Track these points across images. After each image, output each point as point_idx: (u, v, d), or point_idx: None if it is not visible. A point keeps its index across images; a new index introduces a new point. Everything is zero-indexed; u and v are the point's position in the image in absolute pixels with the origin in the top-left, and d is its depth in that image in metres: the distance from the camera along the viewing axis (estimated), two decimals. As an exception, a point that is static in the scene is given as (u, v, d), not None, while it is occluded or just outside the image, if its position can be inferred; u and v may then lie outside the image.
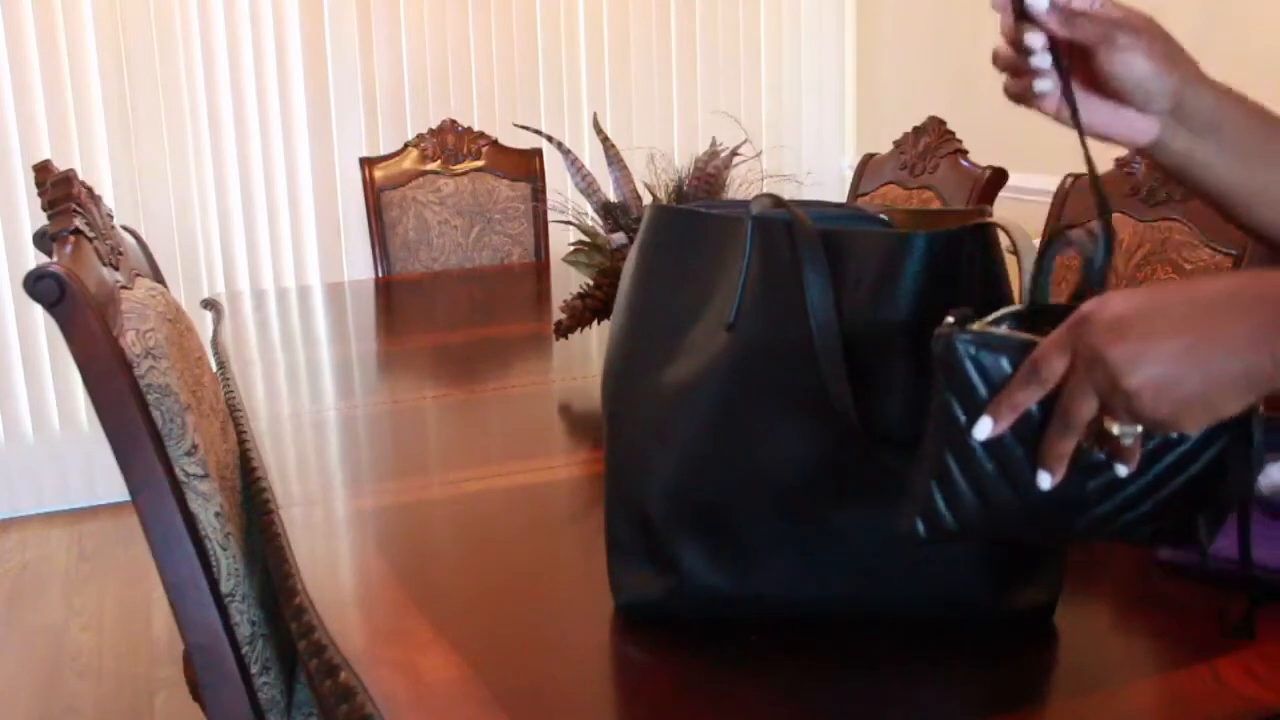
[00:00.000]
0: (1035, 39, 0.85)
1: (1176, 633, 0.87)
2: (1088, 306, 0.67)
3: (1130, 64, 0.85)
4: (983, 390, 0.69)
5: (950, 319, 0.70)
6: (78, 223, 1.20)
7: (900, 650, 0.85)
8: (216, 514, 1.16)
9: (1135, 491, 0.71)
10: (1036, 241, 0.83)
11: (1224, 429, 0.68)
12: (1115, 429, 0.67)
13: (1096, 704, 0.78)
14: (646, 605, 0.90)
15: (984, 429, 0.69)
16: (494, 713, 0.79)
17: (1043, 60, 0.85)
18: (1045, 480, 0.69)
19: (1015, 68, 0.89)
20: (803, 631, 0.87)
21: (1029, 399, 0.68)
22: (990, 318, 0.71)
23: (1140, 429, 0.67)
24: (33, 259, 3.07)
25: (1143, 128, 0.88)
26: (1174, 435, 0.69)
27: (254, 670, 1.19)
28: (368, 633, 0.92)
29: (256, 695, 1.18)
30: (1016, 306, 0.73)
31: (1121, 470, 0.69)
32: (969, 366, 0.69)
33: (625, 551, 0.92)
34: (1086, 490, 0.71)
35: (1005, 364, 0.69)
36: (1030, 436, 0.69)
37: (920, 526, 0.73)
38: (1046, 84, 0.86)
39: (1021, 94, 0.89)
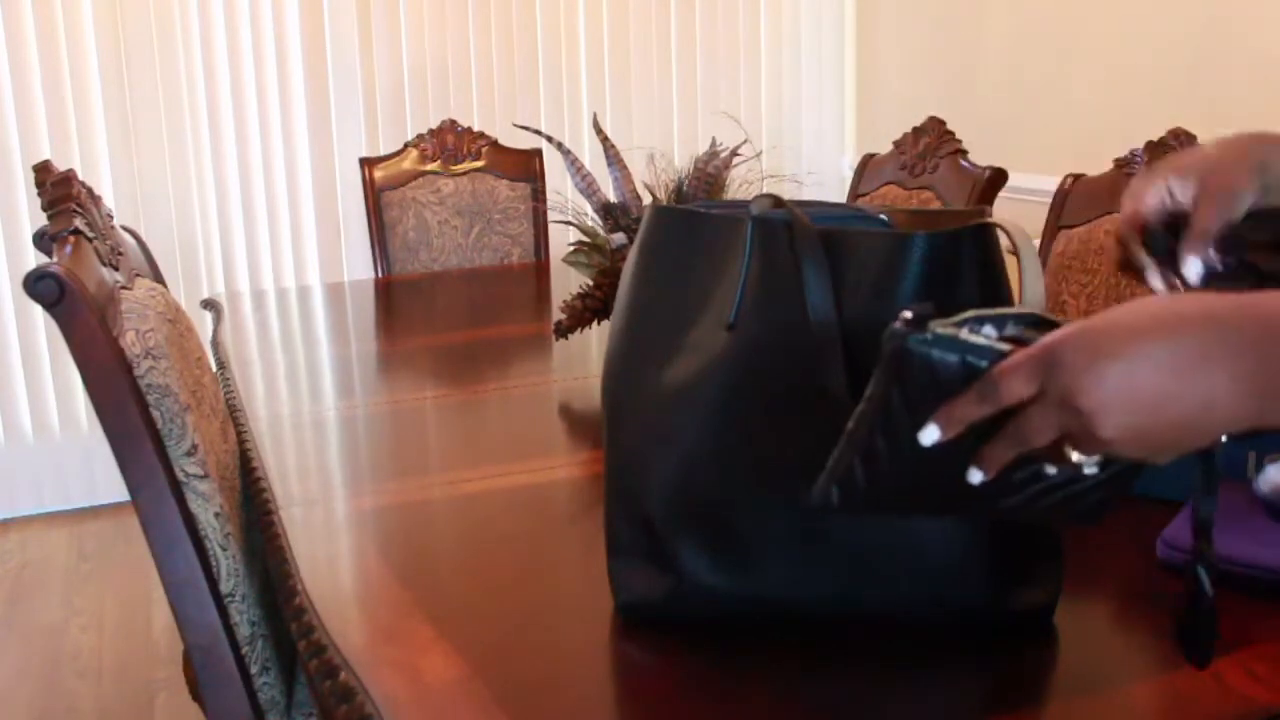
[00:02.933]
0: (1154, 278, 0.84)
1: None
2: (1060, 337, 0.64)
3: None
4: (929, 389, 0.68)
5: (907, 314, 0.68)
6: (78, 223, 1.20)
7: (900, 650, 0.85)
8: (216, 514, 1.16)
9: (1057, 482, 0.71)
10: (1036, 242, 0.83)
11: None
12: (1076, 457, 0.66)
13: (1096, 704, 0.78)
14: (646, 605, 0.90)
15: (930, 436, 0.68)
16: (494, 713, 0.79)
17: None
18: (976, 476, 0.69)
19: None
20: (803, 631, 0.87)
21: (981, 414, 0.66)
22: (952, 320, 0.69)
23: (1099, 458, 0.66)
24: (33, 259, 3.07)
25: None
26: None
27: (254, 670, 1.19)
28: (368, 633, 0.92)
29: (256, 695, 1.18)
30: (979, 311, 0.72)
31: (1051, 470, 0.68)
32: (917, 365, 0.67)
33: (625, 551, 0.92)
34: (1012, 480, 0.71)
35: (957, 364, 0.67)
36: (967, 437, 0.68)
37: (835, 496, 0.72)
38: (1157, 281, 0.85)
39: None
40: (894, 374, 0.68)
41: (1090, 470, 0.67)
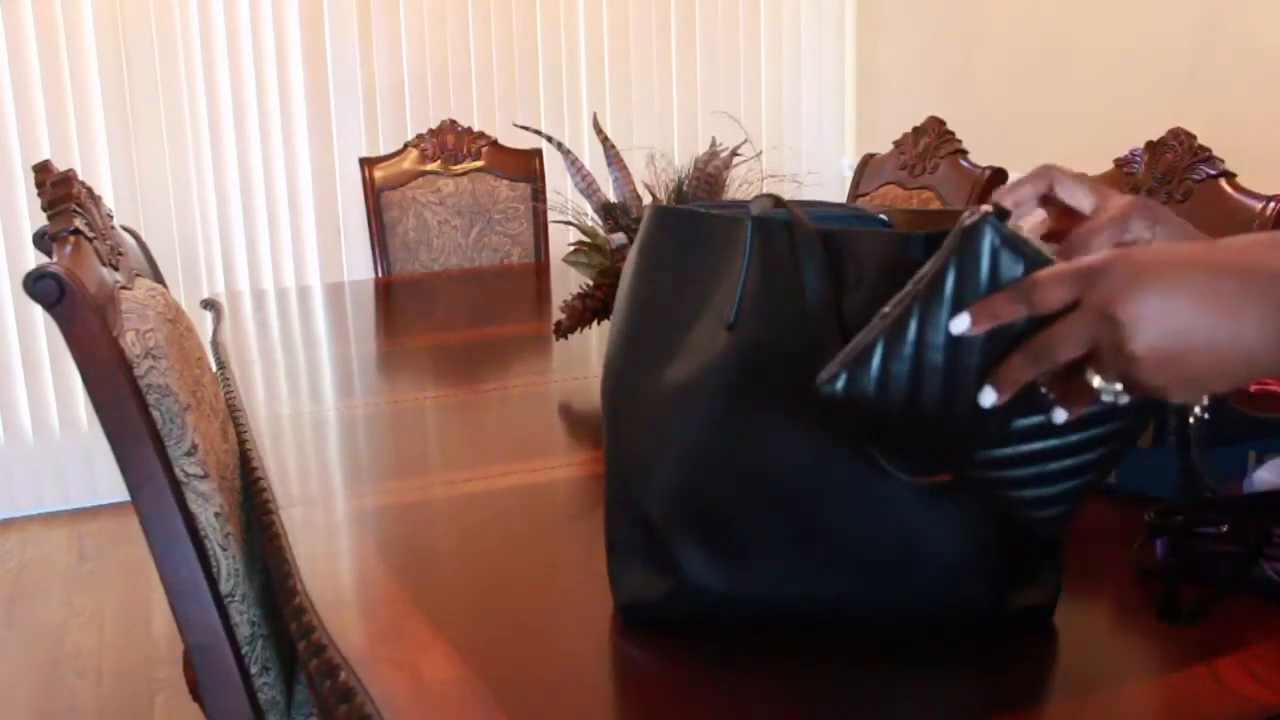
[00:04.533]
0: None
1: (1176, 633, 0.87)
2: (1109, 256, 0.66)
3: None
4: (984, 282, 0.69)
5: (988, 206, 0.70)
6: (78, 223, 1.20)
7: (900, 650, 0.85)
8: (216, 514, 1.16)
9: (1045, 449, 0.72)
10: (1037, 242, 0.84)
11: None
12: (1096, 381, 0.67)
13: (1096, 704, 0.78)
14: (646, 605, 0.90)
15: (960, 324, 0.69)
16: (494, 713, 0.79)
17: None
18: (989, 397, 0.69)
19: None
20: (803, 631, 0.87)
21: (1012, 314, 0.68)
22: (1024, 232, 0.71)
23: (1119, 387, 0.67)
24: (33, 259, 3.07)
25: None
26: (1120, 403, 0.69)
27: (254, 670, 1.19)
28: (368, 633, 0.92)
29: (256, 695, 1.18)
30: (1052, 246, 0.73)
31: (1059, 416, 0.69)
32: (984, 255, 0.69)
33: (625, 552, 0.92)
34: (1011, 425, 0.71)
35: (1020, 270, 0.68)
36: (997, 349, 0.69)
37: (842, 380, 0.72)
38: None
39: None
40: (958, 254, 0.69)
41: (1107, 398, 0.67)
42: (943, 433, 0.73)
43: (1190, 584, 0.92)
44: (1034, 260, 0.68)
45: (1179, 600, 0.87)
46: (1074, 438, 0.72)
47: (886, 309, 0.72)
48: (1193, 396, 0.67)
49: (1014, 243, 0.69)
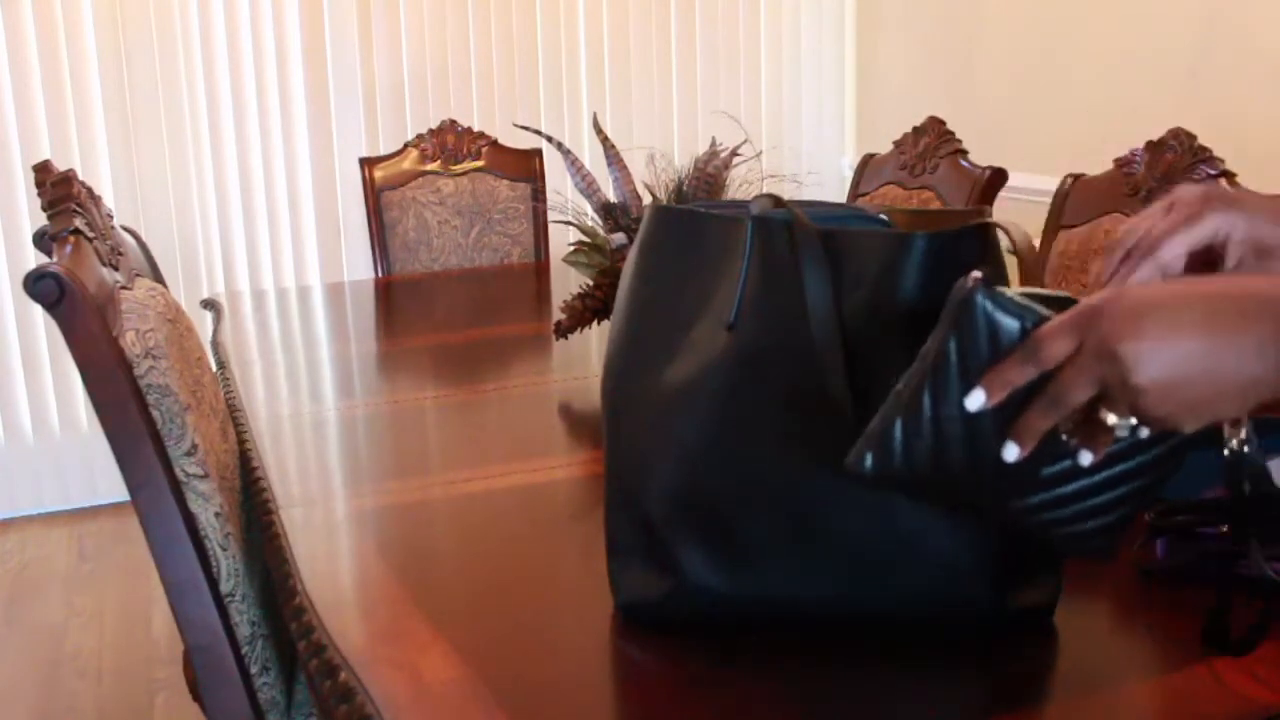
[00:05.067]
0: None
1: (1176, 633, 0.87)
2: (1102, 296, 0.67)
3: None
4: (986, 350, 0.69)
5: (977, 274, 0.70)
6: (78, 223, 1.20)
7: (900, 650, 0.85)
8: (216, 514, 1.16)
9: (1078, 489, 0.73)
10: (1036, 242, 0.83)
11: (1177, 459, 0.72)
12: (1111, 419, 0.67)
13: (1096, 704, 0.79)
14: (646, 605, 0.90)
15: (975, 400, 0.69)
16: (494, 713, 0.79)
17: None
18: (1012, 452, 0.70)
19: None
20: (802, 631, 0.87)
21: (1024, 377, 0.68)
22: (1014, 290, 0.71)
23: (1135, 422, 0.67)
24: (33, 259, 3.07)
25: None
26: (1140, 437, 0.70)
27: (254, 670, 1.19)
28: (368, 633, 0.92)
29: (256, 695, 1.18)
30: (1035, 290, 0.73)
31: (1085, 458, 0.69)
32: (981, 323, 0.69)
33: (625, 552, 0.92)
34: (1040, 474, 0.72)
35: (1016, 330, 0.69)
36: (1009, 406, 0.69)
37: (869, 460, 0.73)
38: None
39: None
40: (956, 327, 0.70)
41: (1122, 434, 0.68)
42: (974, 491, 0.74)
43: (1193, 587, 0.92)
44: (1030, 318, 0.69)
45: (1228, 627, 0.86)
46: (1100, 476, 0.73)
47: (899, 385, 0.73)
48: (1201, 423, 0.67)
49: (1006, 305, 0.70)
